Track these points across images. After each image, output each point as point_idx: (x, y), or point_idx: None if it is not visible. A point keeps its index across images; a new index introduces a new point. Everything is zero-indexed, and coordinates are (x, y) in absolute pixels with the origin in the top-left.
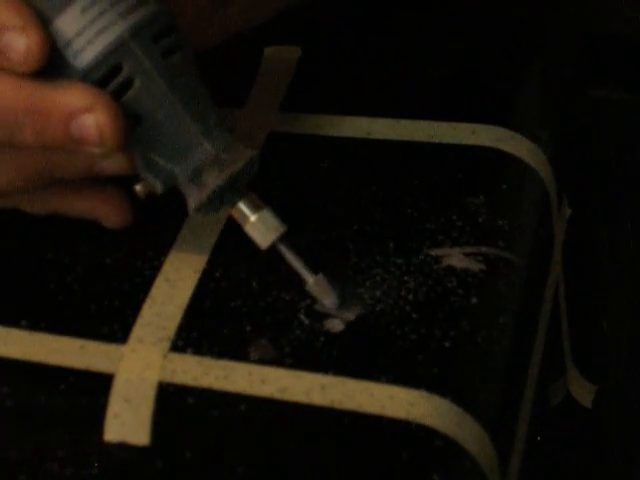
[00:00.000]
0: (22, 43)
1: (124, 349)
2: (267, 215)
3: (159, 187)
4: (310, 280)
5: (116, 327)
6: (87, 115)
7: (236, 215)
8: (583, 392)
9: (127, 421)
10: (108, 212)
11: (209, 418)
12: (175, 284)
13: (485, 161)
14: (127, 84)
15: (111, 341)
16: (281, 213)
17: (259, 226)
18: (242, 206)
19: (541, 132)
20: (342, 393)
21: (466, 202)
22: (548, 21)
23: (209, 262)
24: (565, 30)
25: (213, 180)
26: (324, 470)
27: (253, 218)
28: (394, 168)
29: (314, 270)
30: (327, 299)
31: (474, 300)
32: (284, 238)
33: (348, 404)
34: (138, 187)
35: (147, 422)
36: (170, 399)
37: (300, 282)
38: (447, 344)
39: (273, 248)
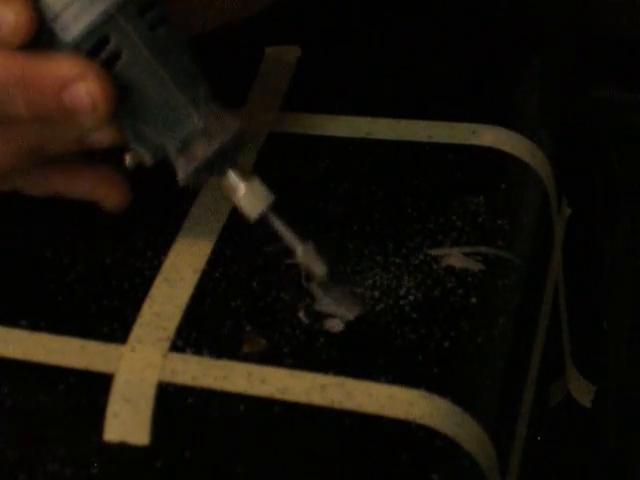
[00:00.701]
0: (11, 16)
1: (124, 349)
2: (256, 185)
3: (148, 158)
4: (299, 249)
5: (116, 327)
6: (79, 84)
7: (225, 185)
8: (583, 392)
9: (127, 421)
10: (108, 192)
11: (209, 418)
12: (175, 284)
13: (485, 161)
14: (115, 56)
15: (111, 341)
16: (280, 213)
17: (248, 196)
18: (231, 176)
19: (541, 132)
20: (342, 393)
21: (466, 202)
22: (548, 21)
23: (209, 262)
24: (565, 30)
25: (202, 151)
26: (324, 470)
27: (242, 188)
28: (394, 168)
29: (303, 240)
30: (317, 268)
31: (474, 300)
32: (273, 208)
33: (348, 404)
34: (128, 158)
35: (147, 422)
36: (170, 399)
37: (299, 282)
38: (447, 344)
39: (262, 219)
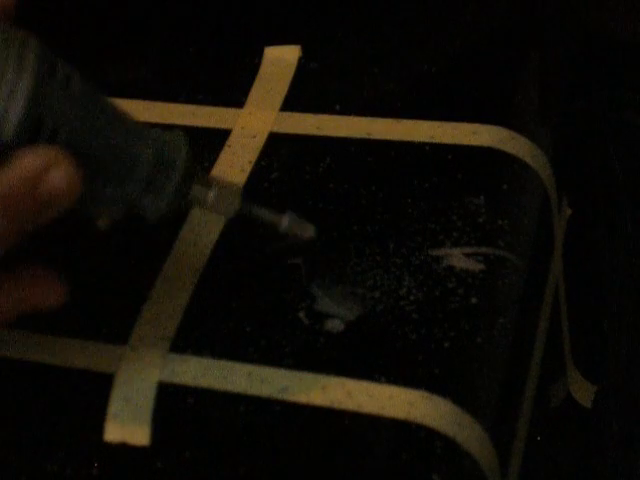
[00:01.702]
0: None
1: (124, 349)
2: (222, 184)
3: (119, 213)
4: (283, 221)
5: (116, 327)
6: (51, 174)
7: (193, 199)
8: (583, 392)
9: (127, 421)
10: (45, 294)
11: (209, 418)
12: (175, 284)
13: (485, 161)
14: (54, 132)
15: (111, 341)
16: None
17: (218, 201)
18: (196, 188)
19: (541, 132)
20: (342, 393)
21: (466, 202)
22: (548, 21)
23: (209, 262)
24: (565, 30)
25: (168, 181)
26: (324, 470)
27: (211, 195)
28: (394, 168)
29: (282, 211)
30: (305, 231)
31: (474, 300)
32: (244, 198)
33: (348, 404)
34: (100, 223)
35: (147, 422)
36: (170, 399)
37: (300, 282)
38: (447, 344)
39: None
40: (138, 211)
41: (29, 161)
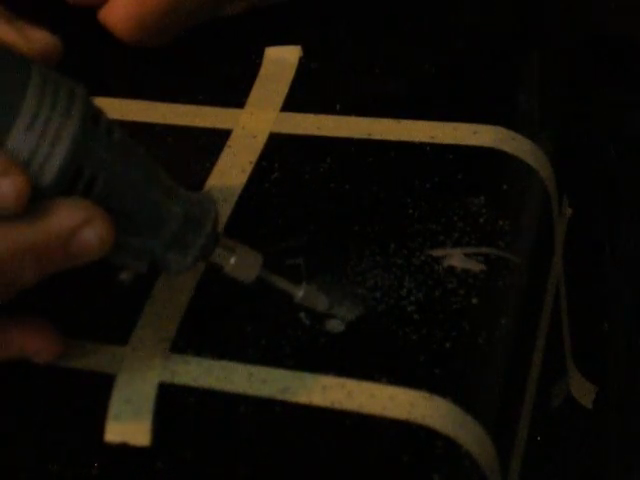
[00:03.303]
0: (9, 187)
1: (125, 350)
2: (244, 252)
3: (143, 266)
4: (299, 293)
5: (117, 328)
6: (86, 231)
7: (214, 261)
8: (584, 393)
9: (128, 422)
10: (38, 347)
11: (209, 419)
12: (175, 285)
13: (486, 161)
14: (92, 181)
15: (112, 342)
16: (282, 213)
17: (240, 266)
18: (219, 252)
19: (542, 133)
20: (343, 394)
21: (467, 202)
22: (548, 21)
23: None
24: (565, 30)
25: (196, 237)
26: (324, 471)
27: (232, 260)
28: (395, 169)
29: (298, 282)
30: (319, 304)
31: (475, 300)
32: (263, 265)
33: (349, 405)
34: (123, 275)
35: (148, 423)
36: (171, 400)
37: (301, 282)
38: (448, 345)
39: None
40: (161, 265)
41: (66, 216)
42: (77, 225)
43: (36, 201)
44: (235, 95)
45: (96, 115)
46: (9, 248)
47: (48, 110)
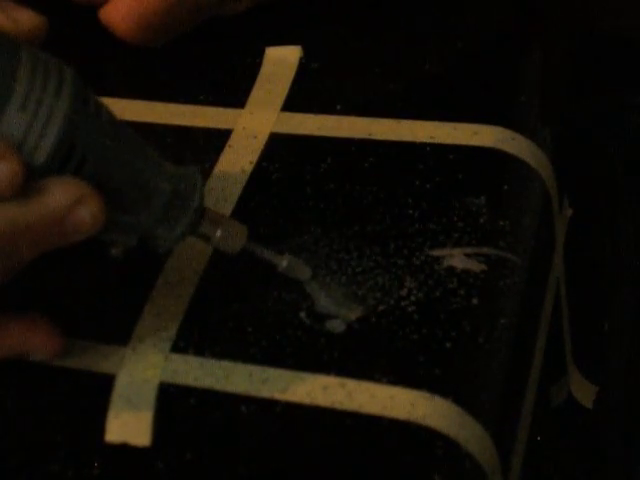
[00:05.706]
0: (4, 171)
1: (125, 350)
2: (230, 224)
3: (133, 240)
4: (282, 263)
5: (117, 328)
6: (80, 209)
7: (200, 234)
8: (584, 393)
9: (128, 422)
10: (39, 342)
11: (210, 419)
12: (176, 285)
13: (486, 162)
14: (83, 160)
15: (112, 342)
16: (282, 213)
17: (225, 238)
18: (206, 225)
19: (542, 132)
20: (343, 394)
21: (467, 203)
22: (548, 21)
23: (210, 262)
24: (565, 30)
25: (184, 211)
26: (325, 471)
27: (219, 233)
28: (395, 169)
29: (280, 252)
30: (302, 274)
31: (475, 301)
32: (248, 237)
33: (349, 405)
34: (114, 251)
35: (148, 423)
36: (171, 400)
37: (301, 283)
38: (448, 345)
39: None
40: (150, 240)
41: (60, 195)
42: (71, 204)
43: (29, 181)
44: (235, 95)
45: (86, 95)
46: (5, 228)
47: (39, 91)
